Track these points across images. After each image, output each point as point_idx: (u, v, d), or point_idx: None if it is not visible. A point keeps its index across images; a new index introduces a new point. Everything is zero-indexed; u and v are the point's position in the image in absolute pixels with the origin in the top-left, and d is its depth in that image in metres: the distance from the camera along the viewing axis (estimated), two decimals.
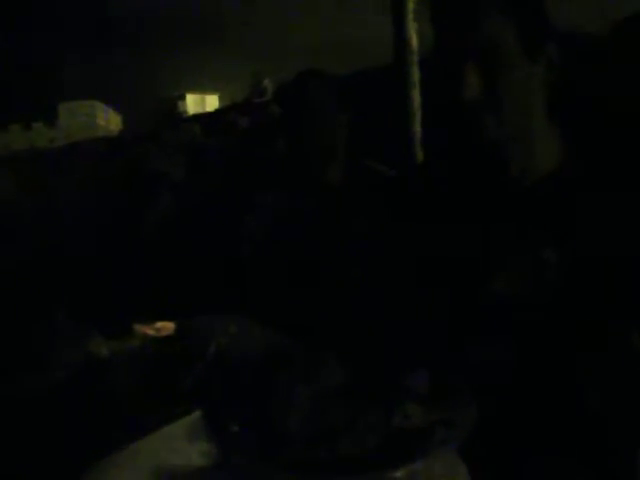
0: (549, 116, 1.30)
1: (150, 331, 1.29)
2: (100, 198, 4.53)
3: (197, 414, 0.87)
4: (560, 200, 1.22)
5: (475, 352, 1.18)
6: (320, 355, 0.95)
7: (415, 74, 2.79)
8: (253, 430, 0.76)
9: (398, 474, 0.70)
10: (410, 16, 3.04)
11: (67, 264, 3.12)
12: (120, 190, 4.26)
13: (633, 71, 1.87)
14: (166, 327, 1.30)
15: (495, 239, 1.24)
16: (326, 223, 1.83)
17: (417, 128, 2.45)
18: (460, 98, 1.20)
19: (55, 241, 4.05)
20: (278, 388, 0.84)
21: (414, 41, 3.02)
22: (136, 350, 1.21)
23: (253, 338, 1.14)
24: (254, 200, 2.32)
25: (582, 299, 1.14)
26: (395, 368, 0.91)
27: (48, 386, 1.06)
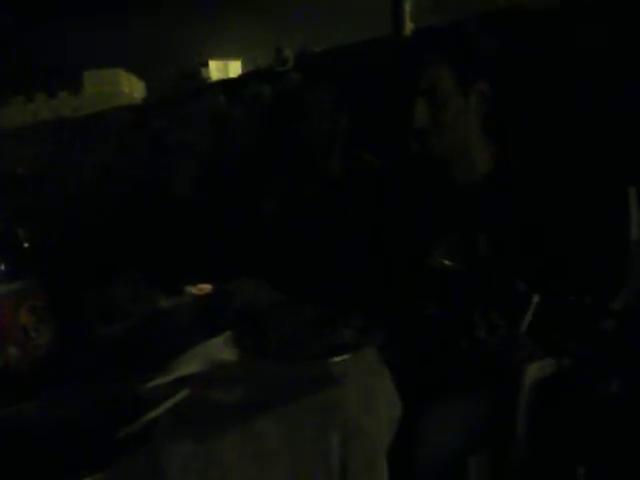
0: (483, 134, 1.74)
1: (195, 290, 1.77)
2: (126, 167, 4.61)
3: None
4: (490, 196, 1.67)
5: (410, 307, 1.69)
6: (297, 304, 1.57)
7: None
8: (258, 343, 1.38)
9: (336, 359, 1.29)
10: None
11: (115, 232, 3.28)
12: (145, 159, 4.34)
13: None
14: (205, 288, 1.79)
15: (443, 224, 1.70)
16: (325, 208, 2.32)
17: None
18: (412, 126, 1.69)
19: (83, 211, 4.16)
20: (270, 322, 1.46)
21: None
22: (187, 303, 1.69)
23: (259, 294, 1.66)
24: (269, 185, 2.58)
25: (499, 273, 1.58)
26: (344, 309, 1.51)
27: (123, 329, 1.50)
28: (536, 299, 1.45)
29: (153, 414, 1.08)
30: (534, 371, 1.57)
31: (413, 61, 1.72)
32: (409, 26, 3.45)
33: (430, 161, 1.77)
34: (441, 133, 1.70)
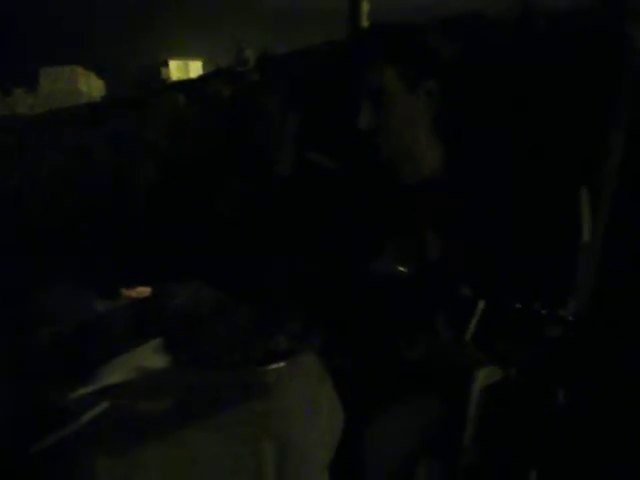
0: (431, 133, 1.70)
1: (133, 293, 1.70)
2: (83, 166, 4.52)
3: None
4: (437, 198, 1.64)
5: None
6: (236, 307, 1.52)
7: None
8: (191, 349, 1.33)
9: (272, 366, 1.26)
10: None
11: (53, 232, 3.20)
12: (103, 159, 4.26)
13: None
14: (144, 291, 1.71)
15: (391, 226, 1.66)
16: (276, 208, 2.21)
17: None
18: (358, 126, 1.63)
19: (38, 210, 4.06)
20: (205, 327, 1.41)
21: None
22: (123, 306, 1.61)
23: (199, 296, 1.57)
24: (224, 185, 2.55)
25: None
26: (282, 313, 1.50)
27: (57, 335, 1.41)
28: (482, 305, 1.42)
29: (72, 426, 1.03)
30: (482, 377, 1.54)
31: (359, 61, 1.67)
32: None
33: (377, 162, 1.72)
34: (387, 134, 1.66)
